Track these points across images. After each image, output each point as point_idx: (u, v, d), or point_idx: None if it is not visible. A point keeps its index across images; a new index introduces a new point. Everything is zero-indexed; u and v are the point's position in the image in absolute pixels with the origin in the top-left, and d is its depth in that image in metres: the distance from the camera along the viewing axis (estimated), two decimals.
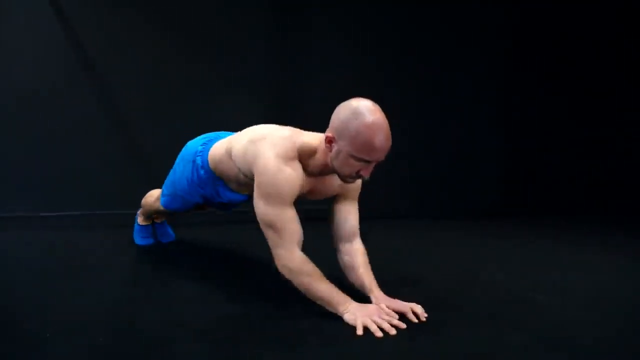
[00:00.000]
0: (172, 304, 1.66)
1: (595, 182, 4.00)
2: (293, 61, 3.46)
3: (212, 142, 1.87)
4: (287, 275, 1.53)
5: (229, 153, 1.72)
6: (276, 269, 1.56)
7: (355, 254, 1.67)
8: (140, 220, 2.45)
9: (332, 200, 1.72)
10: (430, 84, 3.87)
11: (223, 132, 1.97)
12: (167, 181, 2.08)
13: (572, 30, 3.96)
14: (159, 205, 2.19)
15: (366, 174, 1.47)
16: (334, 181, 1.63)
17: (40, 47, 2.96)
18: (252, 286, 1.86)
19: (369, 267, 1.66)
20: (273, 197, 1.49)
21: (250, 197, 1.73)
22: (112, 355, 1.27)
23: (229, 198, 1.87)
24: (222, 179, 1.82)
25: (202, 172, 1.84)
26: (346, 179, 1.52)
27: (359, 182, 1.69)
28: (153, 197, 2.28)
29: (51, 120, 2.99)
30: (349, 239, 1.69)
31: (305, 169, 1.55)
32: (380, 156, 1.43)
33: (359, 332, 1.38)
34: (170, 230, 2.55)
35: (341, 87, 3.57)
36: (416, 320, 1.48)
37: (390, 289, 1.63)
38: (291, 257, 1.51)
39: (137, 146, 3.15)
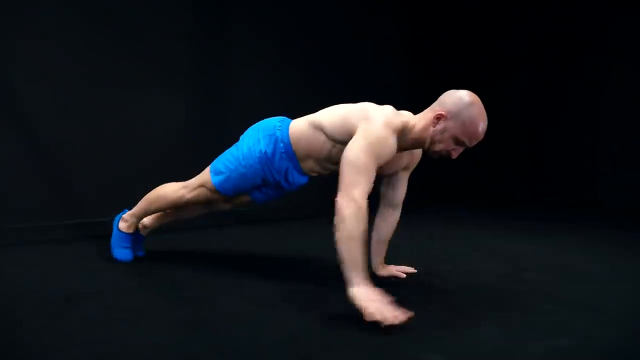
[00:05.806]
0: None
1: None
2: (214, 58, 3.33)
3: (286, 121, 1.91)
4: (347, 214, 1.47)
5: (315, 126, 1.79)
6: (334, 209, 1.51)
7: (389, 225, 1.96)
8: (123, 226, 2.12)
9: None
10: (342, 82, 3.94)
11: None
12: (225, 158, 1.95)
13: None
14: (181, 196, 2.00)
15: (455, 155, 1.65)
16: (404, 157, 1.84)
17: None
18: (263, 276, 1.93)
19: (387, 242, 1.98)
20: (371, 149, 1.57)
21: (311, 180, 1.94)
22: None
23: (293, 180, 1.90)
24: (297, 157, 1.85)
25: (281, 145, 1.84)
26: (434, 154, 1.68)
27: (417, 161, 1.92)
28: (172, 189, 2.03)
29: None
30: (394, 206, 1.95)
31: (397, 144, 1.66)
32: (475, 143, 1.62)
33: (388, 322, 1.34)
34: (142, 246, 2.24)
35: (260, 84, 3.50)
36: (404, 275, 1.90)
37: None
38: (362, 201, 1.50)
39: (46, 147, 2.65)
